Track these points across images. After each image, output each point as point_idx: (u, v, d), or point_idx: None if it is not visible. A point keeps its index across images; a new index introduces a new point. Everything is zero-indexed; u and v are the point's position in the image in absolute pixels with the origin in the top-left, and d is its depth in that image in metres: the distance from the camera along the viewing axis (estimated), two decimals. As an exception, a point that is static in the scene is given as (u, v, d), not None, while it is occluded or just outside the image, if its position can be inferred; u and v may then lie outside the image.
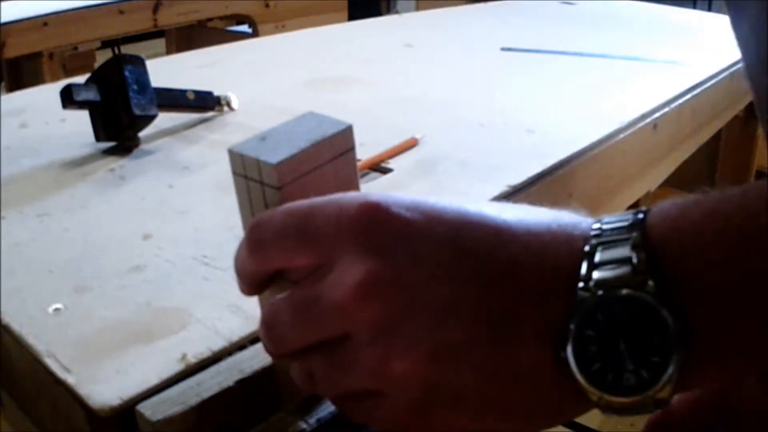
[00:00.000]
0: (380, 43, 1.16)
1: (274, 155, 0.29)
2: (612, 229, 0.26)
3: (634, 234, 0.25)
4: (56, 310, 0.45)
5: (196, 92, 0.77)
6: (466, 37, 1.20)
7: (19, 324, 0.43)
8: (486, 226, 0.26)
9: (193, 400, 0.37)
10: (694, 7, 2.44)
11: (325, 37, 1.20)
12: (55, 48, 1.90)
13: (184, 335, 0.42)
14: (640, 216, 0.26)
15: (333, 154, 0.31)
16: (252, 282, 0.30)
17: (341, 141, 0.31)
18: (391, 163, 0.67)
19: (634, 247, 0.25)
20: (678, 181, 0.95)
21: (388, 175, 0.65)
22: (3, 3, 1.80)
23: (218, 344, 0.41)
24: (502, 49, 1.09)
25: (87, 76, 0.71)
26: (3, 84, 2.04)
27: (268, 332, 0.29)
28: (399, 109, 0.83)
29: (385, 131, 0.73)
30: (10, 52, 1.80)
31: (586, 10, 1.42)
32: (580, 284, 0.25)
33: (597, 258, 0.25)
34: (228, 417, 0.38)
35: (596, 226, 0.26)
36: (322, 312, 0.26)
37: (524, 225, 0.26)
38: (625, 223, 0.26)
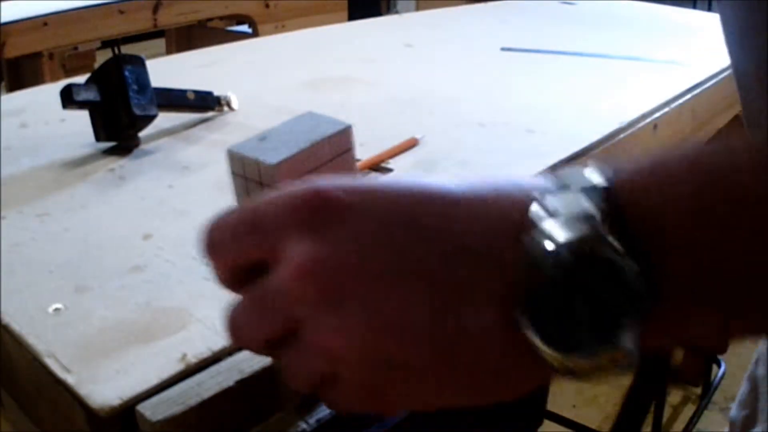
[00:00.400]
0: (380, 43, 1.16)
1: (273, 156, 0.29)
2: (570, 179, 0.24)
3: (595, 183, 0.24)
4: (56, 310, 0.45)
5: (196, 92, 0.77)
6: (466, 37, 1.20)
7: (19, 324, 0.43)
8: (425, 194, 0.26)
9: (193, 400, 0.37)
10: (694, 7, 2.44)
11: (325, 37, 1.20)
12: (55, 48, 1.90)
13: (184, 335, 0.42)
14: (604, 167, 0.24)
15: (332, 154, 0.31)
16: (226, 283, 0.29)
17: (340, 141, 0.31)
18: (391, 163, 0.67)
19: (592, 197, 0.23)
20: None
21: (388, 175, 0.65)
22: (3, 3, 1.80)
23: (218, 344, 0.41)
24: (502, 49, 1.09)
25: (87, 76, 0.71)
26: (3, 84, 2.04)
27: (230, 332, 0.29)
28: (399, 109, 0.83)
29: (385, 131, 0.73)
30: (10, 52, 1.80)
31: (586, 10, 1.42)
32: (532, 239, 0.23)
33: (550, 209, 0.23)
34: (228, 417, 0.38)
35: (554, 178, 0.25)
36: (270, 301, 0.26)
37: (469, 189, 0.26)
38: (587, 172, 0.24)
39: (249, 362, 0.40)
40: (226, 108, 0.80)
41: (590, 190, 0.24)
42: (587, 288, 0.22)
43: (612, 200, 0.23)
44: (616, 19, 1.36)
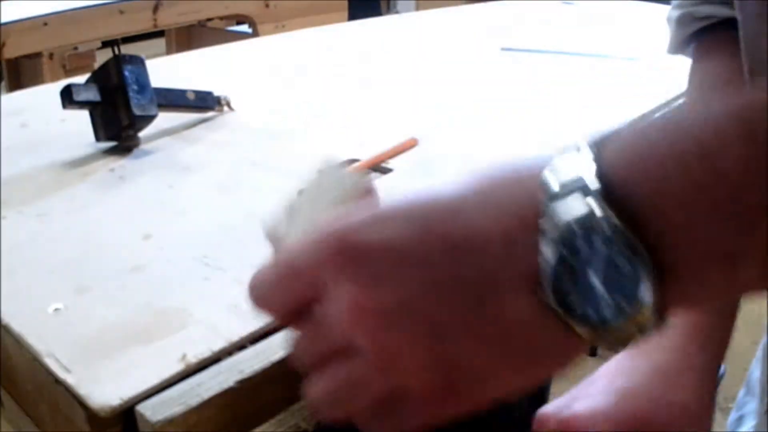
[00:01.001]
0: (380, 43, 1.16)
1: (299, 229, 0.32)
2: (567, 163, 0.27)
3: (591, 165, 0.26)
4: (56, 310, 0.45)
5: (196, 92, 0.77)
6: (466, 37, 1.20)
7: (19, 324, 0.43)
8: (437, 204, 0.28)
9: (194, 400, 0.37)
10: (694, 7, 2.43)
11: (325, 37, 1.20)
12: (55, 48, 1.90)
13: (184, 335, 0.42)
14: (595, 146, 0.27)
15: None
16: (284, 324, 0.32)
17: (366, 197, 0.33)
18: (391, 163, 0.67)
19: (592, 175, 0.26)
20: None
21: (388, 175, 0.65)
22: (3, 3, 1.80)
23: (218, 344, 0.41)
24: (502, 49, 1.09)
25: (87, 76, 0.71)
26: (3, 84, 2.04)
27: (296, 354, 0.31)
28: (399, 109, 0.83)
29: (385, 131, 0.73)
30: (10, 52, 1.80)
31: (586, 10, 1.42)
32: (540, 224, 0.26)
33: (553, 190, 0.26)
34: (228, 417, 0.38)
35: (552, 162, 0.27)
36: (325, 331, 0.29)
37: (476, 187, 0.28)
38: (582, 153, 0.27)
39: (249, 362, 0.40)
40: (226, 108, 0.80)
41: (586, 164, 0.26)
42: (592, 259, 0.25)
43: (603, 173, 0.26)
44: (616, 19, 1.36)
